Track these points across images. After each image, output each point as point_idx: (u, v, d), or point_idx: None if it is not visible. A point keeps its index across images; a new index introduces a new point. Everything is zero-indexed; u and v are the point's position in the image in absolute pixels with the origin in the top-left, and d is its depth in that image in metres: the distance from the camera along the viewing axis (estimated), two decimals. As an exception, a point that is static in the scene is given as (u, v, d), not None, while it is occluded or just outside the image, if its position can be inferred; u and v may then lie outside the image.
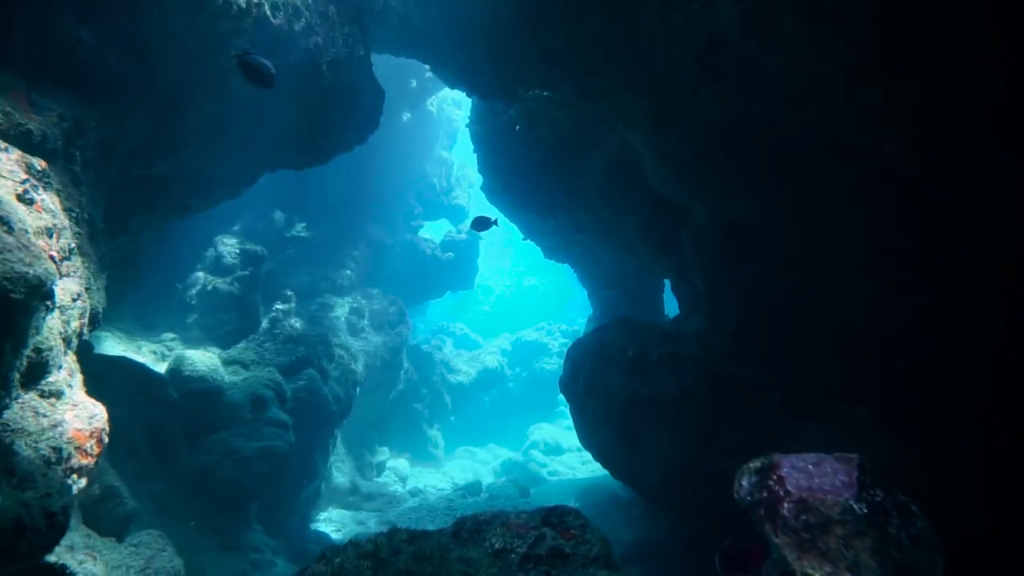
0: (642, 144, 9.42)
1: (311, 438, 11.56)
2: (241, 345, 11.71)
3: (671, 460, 8.26)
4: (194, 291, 12.82)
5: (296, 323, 14.17)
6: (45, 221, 4.46)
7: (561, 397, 29.78)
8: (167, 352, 11.85)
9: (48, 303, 4.06)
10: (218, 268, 13.13)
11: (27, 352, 4.03)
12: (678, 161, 9.03)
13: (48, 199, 4.62)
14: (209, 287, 12.70)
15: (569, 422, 28.89)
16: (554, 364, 27.63)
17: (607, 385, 8.98)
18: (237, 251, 13.18)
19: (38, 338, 4.14)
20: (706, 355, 8.39)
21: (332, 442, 13.94)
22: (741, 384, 8.17)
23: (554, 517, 3.65)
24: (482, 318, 40.59)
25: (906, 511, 2.24)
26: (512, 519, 3.66)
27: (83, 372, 5.55)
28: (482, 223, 11.32)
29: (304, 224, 18.89)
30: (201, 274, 13.06)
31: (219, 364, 10.73)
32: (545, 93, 10.64)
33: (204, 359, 10.40)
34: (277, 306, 13.92)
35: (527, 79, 10.10)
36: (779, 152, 7.94)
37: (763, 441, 7.86)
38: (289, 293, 14.36)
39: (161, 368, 10.54)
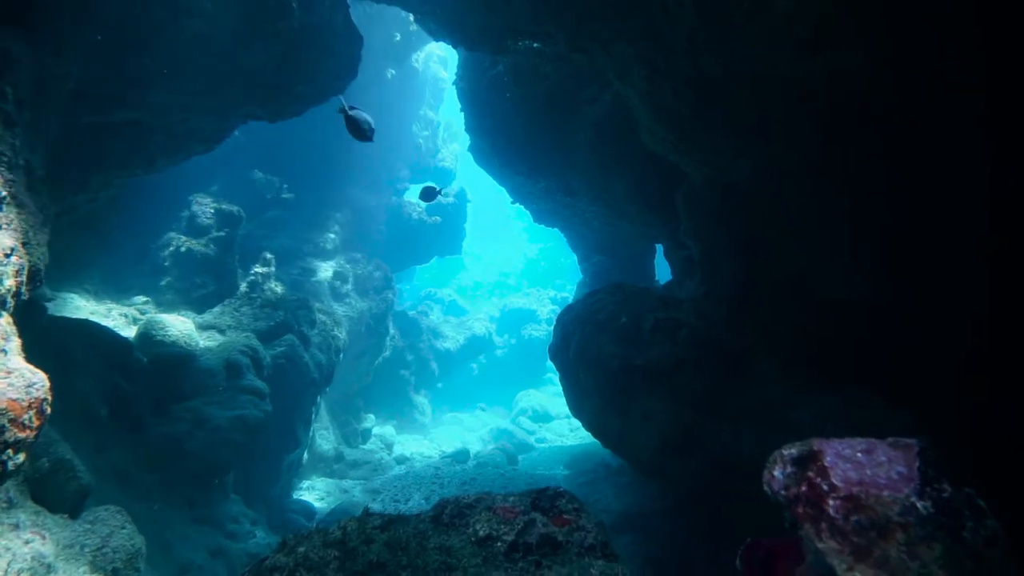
0: (636, 98, 8.88)
1: (291, 406, 11.17)
2: (217, 309, 11.21)
3: (664, 431, 7.93)
4: (167, 252, 12.24)
5: (276, 287, 13.64)
6: (-33, 165, 3.92)
7: (550, 364, 29.72)
8: (138, 316, 11.33)
9: (-30, 258, 3.56)
10: (193, 229, 12.53)
11: (-54, 313, 3.54)
12: (673, 116, 8.51)
13: (-28, 141, 4.07)
14: (183, 248, 12.11)
15: (558, 389, 28.74)
16: (543, 331, 27.35)
17: (598, 353, 8.60)
18: (212, 211, 12.56)
19: (-40, 297, 3.65)
20: (701, 322, 8.01)
21: (315, 409, 13.57)
22: (738, 352, 7.82)
23: (544, 500, 3.27)
24: (470, 285, 40.18)
25: (976, 508, 1.83)
26: (499, 503, 3.27)
27: (30, 336, 5.08)
28: (428, 193, 11.27)
29: (286, 186, 18.23)
30: (175, 235, 12.46)
31: (193, 329, 10.24)
32: (535, 44, 10.01)
33: (177, 323, 9.90)
34: (256, 269, 13.37)
35: (517, 28, 9.47)
36: (781, 110, 7.46)
37: (761, 409, 7.56)
38: (268, 256, 13.81)
39: (130, 332, 10.05)
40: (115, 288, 12.18)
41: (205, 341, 10.47)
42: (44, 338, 6.07)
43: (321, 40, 6.92)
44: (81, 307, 10.43)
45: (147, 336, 9.53)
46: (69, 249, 11.15)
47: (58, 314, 9.42)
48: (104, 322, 10.54)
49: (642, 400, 8.25)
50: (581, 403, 9.77)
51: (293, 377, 10.96)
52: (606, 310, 8.83)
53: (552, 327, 27.04)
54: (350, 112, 5.89)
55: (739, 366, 7.68)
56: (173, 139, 8.23)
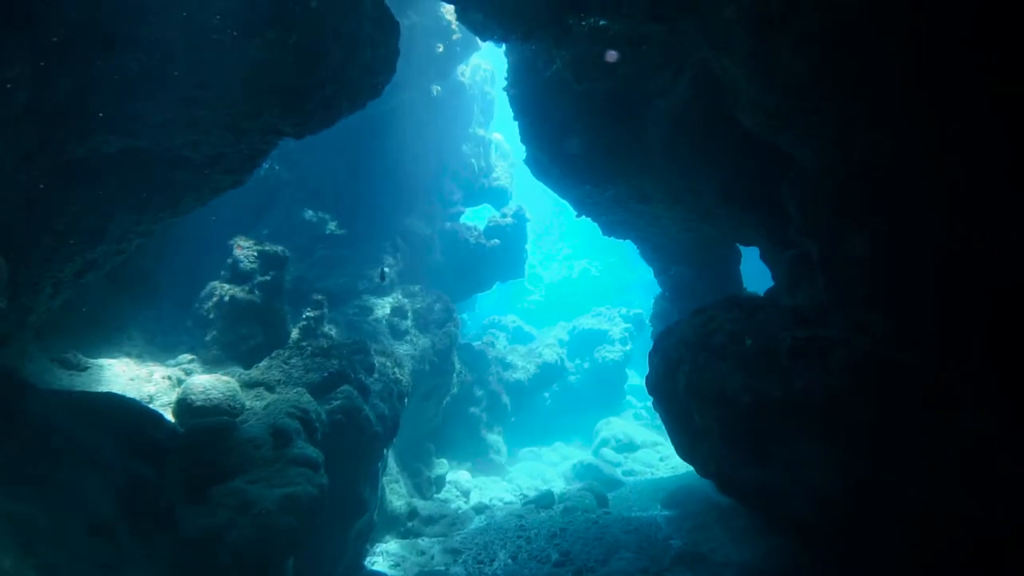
0: (736, 66, 7.19)
1: (353, 468, 9.78)
2: (264, 363, 10.00)
3: (825, 484, 6.09)
4: (210, 304, 11.19)
5: (330, 331, 12.46)
6: None
7: (629, 387, 27.73)
8: (183, 377, 10.24)
9: None
10: (236, 275, 11.47)
11: None
12: (790, 81, 6.78)
13: None
14: (226, 298, 11.03)
15: (639, 413, 26.76)
16: (617, 352, 25.44)
17: (719, 385, 6.85)
18: (255, 254, 11.47)
19: None
20: (862, 339, 6.14)
21: (382, 464, 12.19)
22: (916, 377, 5.91)
23: None
24: (534, 308, 38.54)
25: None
26: None
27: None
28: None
29: (336, 222, 17.20)
30: (217, 284, 11.41)
31: (237, 388, 9.02)
32: (602, 22, 8.50)
33: (218, 385, 8.69)
34: (307, 313, 12.21)
35: (582, 1, 7.95)
36: (935, 67, 5.70)
37: (963, 455, 5.64)
38: (319, 297, 12.64)
39: (174, 398, 8.92)
40: (161, 347, 11.19)
41: (252, 401, 9.23)
42: (36, 427, 4.81)
43: (348, 27, 5.59)
44: (120, 373, 9.39)
45: (186, 404, 8.34)
46: (104, 309, 10.23)
47: (88, 385, 8.36)
48: (145, 388, 9.48)
49: (786, 444, 6.42)
50: (694, 446, 7.98)
51: (353, 434, 9.58)
52: (722, 331, 7.08)
53: (625, 347, 25.17)
54: None
55: (921, 396, 5.77)
56: (194, 173, 7.04)
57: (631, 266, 40.65)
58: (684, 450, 8.45)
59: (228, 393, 8.68)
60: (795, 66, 6.52)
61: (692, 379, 7.17)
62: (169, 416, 8.51)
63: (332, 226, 16.99)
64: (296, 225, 16.80)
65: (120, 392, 8.99)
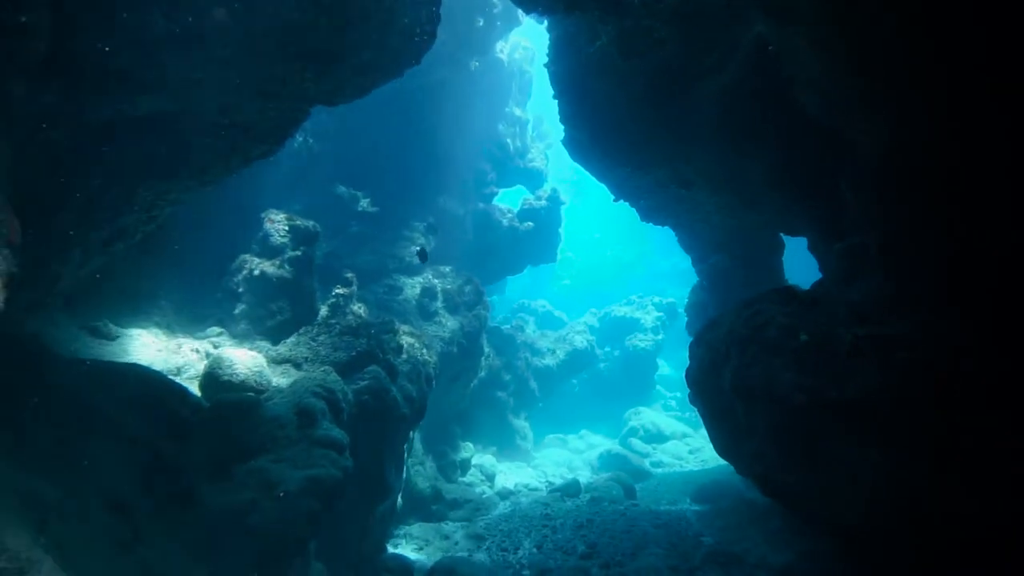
0: (802, 37, 6.65)
1: (380, 449, 9.59)
2: (292, 339, 9.83)
3: (882, 491, 5.64)
4: (240, 277, 11.04)
5: (359, 309, 12.23)
6: None
7: (660, 376, 27.19)
8: (211, 350, 10.12)
9: None
10: (266, 249, 11.29)
11: None
12: (869, 49, 6.21)
13: None
14: (256, 272, 10.86)
15: (669, 404, 26.25)
16: (648, 341, 24.91)
17: (769, 382, 6.40)
18: (286, 228, 11.27)
19: None
20: (928, 339, 5.64)
21: (408, 446, 12.01)
22: (985, 382, 5.41)
23: None
24: (564, 293, 38.12)
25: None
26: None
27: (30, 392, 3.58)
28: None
29: (368, 199, 16.96)
30: (248, 257, 11.24)
31: (264, 364, 8.85)
32: (656, -10, 7.98)
33: (246, 360, 8.53)
34: (337, 291, 11.99)
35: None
36: None
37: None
38: (350, 275, 12.42)
39: (201, 370, 8.78)
40: (190, 318, 11.08)
41: (279, 378, 9.06)
42: (58, 397, 4.62)
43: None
44: (148, 344, 9.28)
45: (212, 377, 8.18)
46: (136, 279, 10.14)
47: (116, 356, 8.25)
48: (173, 360, 9.36)
49: (840, 448, 5.97)
50: (739, 445, 7.55)
51: (381, 415, 9.37)
52: (774, 324, 6.62)
53: (657, 336, 24.60)
54: None
55: (990, 401, 5.27)
56: (224, 140, 6.79)
57: (665, 254, 39.95)
58: (725, 448, 8.03)
59: (255, 369, 8.51)
60: (877, 32, 5.96)
61: (740, 374, 6.73)
62: (196, 389, 8.38)
63: (364, 203, 16.75)
64: (329, 200, 16.61)
65: (148, 363, 8.90)
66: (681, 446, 20.79)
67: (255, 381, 8.39)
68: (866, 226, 8.02)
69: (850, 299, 7.50)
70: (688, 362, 8.71)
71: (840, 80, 6.60)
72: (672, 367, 30.24)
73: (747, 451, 7.33)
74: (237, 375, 8.26)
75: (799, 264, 15.90)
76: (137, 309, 9.85)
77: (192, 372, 9.19)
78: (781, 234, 14.68)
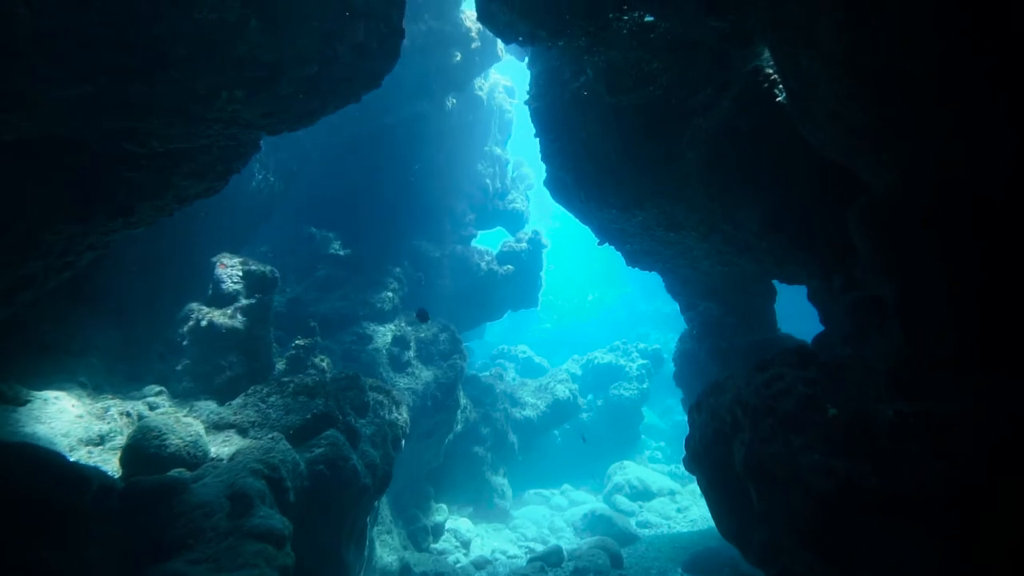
0: (819, 63, 5.89)
1: (336, 527, 8.36)
2: (238, 401, 8.64)
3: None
4: (186, 328, 9.87)
5: (322, 362, 11.11)
6: None
7: (644, 426, 26.05)
8: (147, 412, 8.90)
9: None
10: (216, 297, 10.16)
11: None
12: (894, 73, 5.41)
13: None
14: (203, 322, 9.70)
15: (655, 456, 25.04)
16: (633, 390, 23.85)
17: (790, 464, 5.40)
18: (239, 273, 10.17)
19: None
20: (991, 415, 4.70)
21: (372, 516, 10.74)
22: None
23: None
24: (545, 337, 37.05)
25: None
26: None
27: None
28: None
29: (339, 241, 15.95)
30: (196, 306, 10.10)
31: (201, 433, 7.65)
32: (648, 18, 7.24)
33: (176, 429, 7.33)
34: (297, 342, 10.89)
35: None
36: None
37: None
38: (312, 324, 11.31)
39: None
40: (127, 377, 9.85)
41: (220, 447, 7.86)
42: None
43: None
44: (66, 409, 8.03)
45: (137, 451, 6.98)
46: (60, 333, 8.94)
47: (20, 425, 7.02)
48: (96, 427, 8.11)
49: (882, 544, 4.95)
50: (749, 531, 6.49)
51: (337, 488, 8.16)
52: (793, 394, 5.65)
53: (642, 384, 23.52)
54: None
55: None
56: (151, 176, 5.77)
57: (648, 297, 39.26)
58: (730, 532, 6.96)
59: (189, 439, 7.31)
60: (904, 63, 5.18)
61: (753, 452, 5.73)
62: (115, 464, 7.16)
63: (336, 246, 15.73)
64: (296, 243, 15.59)
65: (63, 432, 7.67)
66: (669, 504, 19.57)
67: (188, 453, 7.19)
68: (881, 277, 7.19)
69: (872, 362, 6.59)
70: (674, 414, 7.74)
71: (860, 109, 5.81)
72: (657, 415, 29.15)
73: (760, 541, 6.26)
74: (166, 447, 7.06)
75: (790, 312, 15.14)
76: (61, 367, 8.63)
77: (119, 440, 7.94)
78: (775, 282, 13.96)
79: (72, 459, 7.33)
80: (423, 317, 11.59)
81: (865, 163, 6.66)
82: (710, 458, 6.82)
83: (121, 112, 4.22)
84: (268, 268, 10.51)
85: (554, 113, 11.95)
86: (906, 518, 4.64)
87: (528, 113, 12.83)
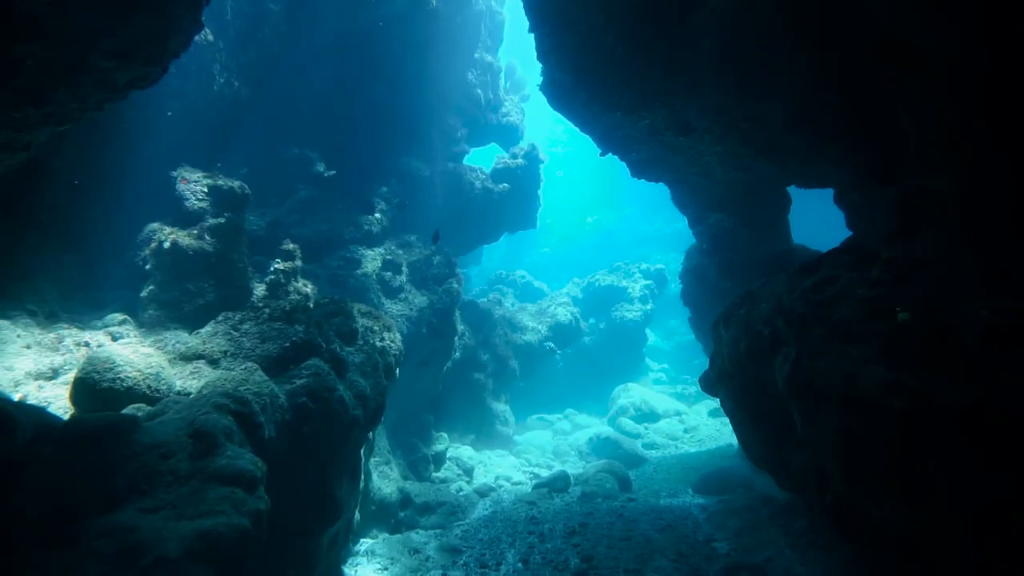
0: None
1: (325, 462, 7.62)
2: (207, 329, 7.73)
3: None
4: (148, 251, 8.86)
5: (305, 287, 10.18)
6: None
7: (648, 348, 25.50)
8: (109, 343, 8.02)
9: None
10: (180, 217, 9.10)
11: None
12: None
13: None
14: (166, 243, 8.69)
15: (659, 377, 24.60)
16: (636, 311, 23.13)
17: (847, 380, 4.54)
18: (205, 189, 9.07)
19: None
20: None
21: (367, 448, 10.08)
22: None
23: None
24: (544, 261, 36.12)
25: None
26: None
27: None
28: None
29: (323, 162, 14.69)
30: (158, 226, 9.05)
31: (164, 365, 6.77)
32: None
33: (134, 360, 6.43)
34: (276, 265, 9.92)
35: None
36: None
37: None
38: (291, 247, 10.32)
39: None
40: (84, 304, 8.91)
41: (187, 380, 7.00)
42: None
43: None
44: (11, 339, 7.13)
45: (87, 385, 6.10)
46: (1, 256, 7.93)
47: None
48: (48, 359, 7.24)
49: (968, 474, 4.13)
50: (786, 456, 5.71)
51: (323, 422, 7.37)
52: (851, 298, 4.72)
53: (645, 305, 22.74)
54: None
55: None
56: (59, 42, 4.64)
57: (648, 218, 38.08)
58: (763, 457, 6.21)
59: (149, 372, 6.44)
60: None
61: (800, 368, 4.86)
62: (67, 402, 6.31)
63: (320, 167, 14.47)
64: (275, 161, 14.35)
65: (6, 365, 6.79)
66: (676, 424, 19.18)
67: (147, 387, 6.33)
68: (935, 169, 6.17)
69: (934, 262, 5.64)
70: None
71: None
72: (660, 337, 28.60)
73: (800, 466, 5.49)
74: (121, 380, 6.19)
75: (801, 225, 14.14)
76: (4, 293, 7.66)
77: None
78: (789, 189, 12.95)
79: (16, 396, 6.50)
80: (436, 239, 11.11)
81: (933, 20, 5.52)
82: (742, 377, 5.98)
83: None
84: (237, 184, 9.40)
85: (551, 2, 10.57)
86: (1003, 442, 3.80)
87: (521, 7, 11.41)
